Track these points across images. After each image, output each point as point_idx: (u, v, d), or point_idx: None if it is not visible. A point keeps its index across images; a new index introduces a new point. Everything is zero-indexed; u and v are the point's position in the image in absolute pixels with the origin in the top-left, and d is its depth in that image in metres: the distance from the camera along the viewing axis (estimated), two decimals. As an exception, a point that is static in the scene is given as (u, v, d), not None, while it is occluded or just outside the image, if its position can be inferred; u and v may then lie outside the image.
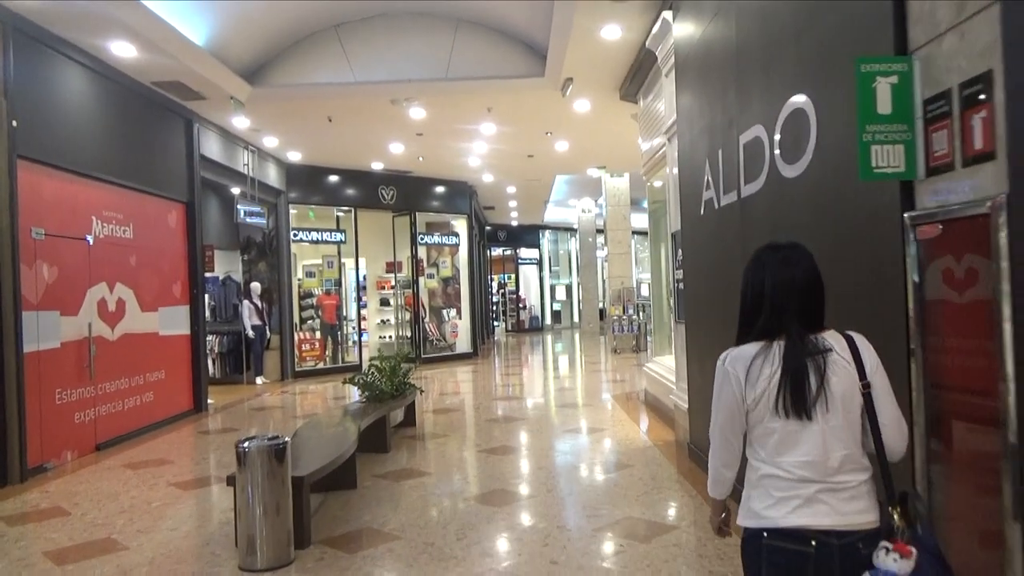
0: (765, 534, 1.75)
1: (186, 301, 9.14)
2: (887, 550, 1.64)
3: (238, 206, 10.69)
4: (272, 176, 12.36)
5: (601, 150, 12.62)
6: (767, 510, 1.75)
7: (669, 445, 6.39)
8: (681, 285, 6.09)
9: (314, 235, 13.61)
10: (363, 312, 16.84)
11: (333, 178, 13.76)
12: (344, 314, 14.33)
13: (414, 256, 15.11)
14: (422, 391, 7.63)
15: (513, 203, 19.97)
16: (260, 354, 12.46)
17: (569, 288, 28.09)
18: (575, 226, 25.87)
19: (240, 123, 9.92)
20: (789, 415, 1.72)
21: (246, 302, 12.33)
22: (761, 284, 1.82)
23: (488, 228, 23.99)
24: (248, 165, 11.03)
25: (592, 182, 18.26)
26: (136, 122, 8.10)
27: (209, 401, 9.82)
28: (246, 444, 3.76)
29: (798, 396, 1.72)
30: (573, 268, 28.47)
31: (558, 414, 8.65)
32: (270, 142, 11.20)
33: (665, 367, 7.91)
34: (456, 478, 5.74)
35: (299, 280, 13.51)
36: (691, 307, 5.65)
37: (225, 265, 12.89)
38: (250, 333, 12.20)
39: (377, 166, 13.62)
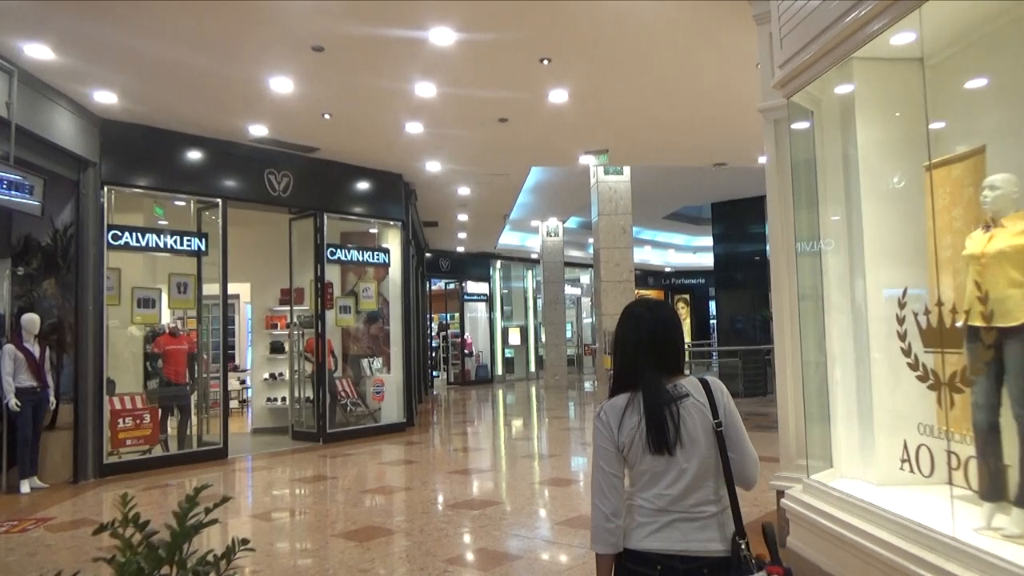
0: (624, 556, 1.89)
1: None
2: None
3: (-50, 160, 5.54)
4: (66, 132, 7.21)
5: (619, 109, 8.03)
6: (629, 533, 1.90)
7: None
8: None
9: (152, 239, 8.40)
10: (238, 362, 11.67)
11: (188, 151, 8.64)
12: (199, 365, 9.12)
13: (320, 279, 10.02)
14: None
15: (463, 217, 15.13)
16: (31, 440, 7.11)
17: (524, 331, 23.27)
18: (534, 255, 21.28)
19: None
20: (654, 454, 1.88)
21: (8, 348, 7.04)
22: (622, 342, 2.01)
23: (428, 255, 19.07)
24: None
25: (569, 192, 13.73)
26: None
27: None
28: None
29: (660, 438, 1.87)
30: (529, 307, 23.75)
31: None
32: (38, 51, 6.06)
33: (903, 532, 3.19)
34: None
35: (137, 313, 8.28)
36: None
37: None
38: (11, 403, 6.91)
39: (258, 131, 8.57)
